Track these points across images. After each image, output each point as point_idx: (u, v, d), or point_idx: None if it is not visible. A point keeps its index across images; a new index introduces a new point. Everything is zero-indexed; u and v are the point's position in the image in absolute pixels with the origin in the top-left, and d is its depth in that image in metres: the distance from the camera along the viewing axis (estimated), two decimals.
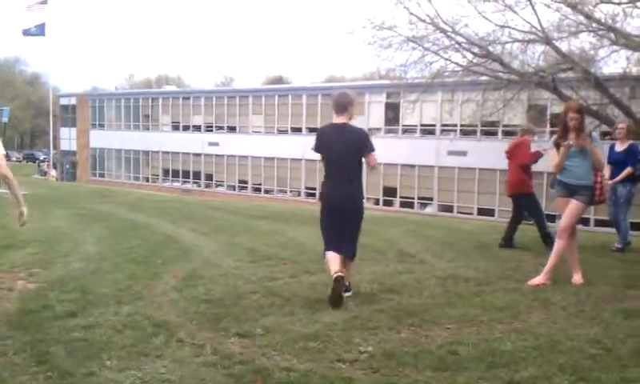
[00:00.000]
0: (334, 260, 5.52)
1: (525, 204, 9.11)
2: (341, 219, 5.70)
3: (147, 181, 45.73)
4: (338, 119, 5.94)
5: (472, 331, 4.57)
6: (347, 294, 5.53)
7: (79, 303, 5.34)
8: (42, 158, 72.79)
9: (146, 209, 13.62)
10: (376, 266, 7.07)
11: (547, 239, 8.51)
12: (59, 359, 3.96)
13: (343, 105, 5.92)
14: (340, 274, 5.32)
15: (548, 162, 9.21)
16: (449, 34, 21.83)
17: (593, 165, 6.32)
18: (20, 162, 78.61)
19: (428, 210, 32.71)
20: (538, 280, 6.25)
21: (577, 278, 6.37)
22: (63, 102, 53.74)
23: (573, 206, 6.31)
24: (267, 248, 8.26)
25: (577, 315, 5.08)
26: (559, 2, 20.21)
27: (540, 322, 4.83)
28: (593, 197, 6.39)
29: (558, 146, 6.41)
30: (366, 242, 8.58)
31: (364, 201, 5.97)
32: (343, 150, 5.76)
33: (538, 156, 8.96)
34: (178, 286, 5.96)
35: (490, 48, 21.43)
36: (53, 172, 53.35)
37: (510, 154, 9.13)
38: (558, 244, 6.37)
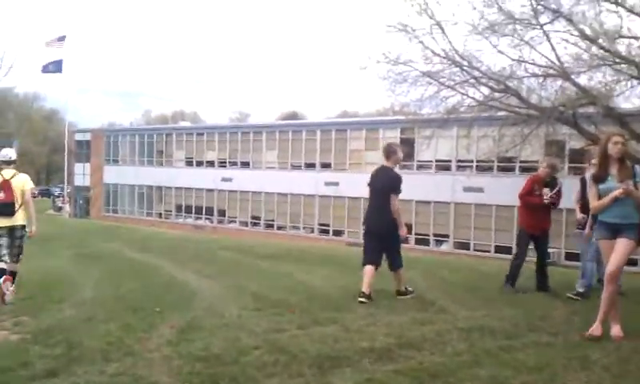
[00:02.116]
0: (366, 272, 7.44)
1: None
2: (374, 239, 7.70)
3: (160, 216, 45.44)
4: (384, 163, 7.81)
5: None
6: (408, 296, 7.45)
7: (62, 360, 4.80)
8: (56, 193, 73.07)
9: (152, 248, 13.17)
10: (392, 314, 6.46)
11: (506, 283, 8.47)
12: None
13: (387, 152, 7.81)
14: (362, 298, 7.15)
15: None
16: (464, 68, 21.44)
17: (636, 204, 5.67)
18: (35, 197, 78.80)
19: (444, 247, 32.03)
20: (597, 331, 5.57)
21: (615, 330, 5.72)
22: (78, 137, 53.99)
23: (622, 245, 5.60)
24: (274, 293, 7.70)
25: (623, 376, 4.46)
26: (576, 36, 19.85)
27: None
28: None
29: (597, 179, 5.80)
30: (381, 287, 8.06)
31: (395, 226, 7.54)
32: (378, 188, 7.66)
33: (532, 198, 8.63)
34: (173, 338, 5.41)
35: (508, 83, 21.02)
36: (67, 207, 53.33)
37: None
38: (609, 289, 5.65)
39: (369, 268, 7.46)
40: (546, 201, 8.54)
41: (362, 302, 7.07)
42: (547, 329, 6.00)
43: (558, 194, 8.69)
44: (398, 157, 7.81)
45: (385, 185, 7.56)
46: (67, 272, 9.41)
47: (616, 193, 5.57)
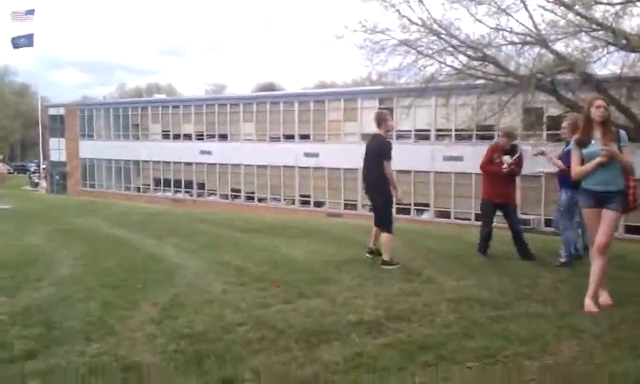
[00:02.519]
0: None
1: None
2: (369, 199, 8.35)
3: (139, 191, 44.95)
4: (376, 130, 8.31)
5: (498, 371, 3.90)
6: (393, 267, 7.41)
7: (42, 340, 4.64)
8: (32, 169, 71.88)
9: (131, 223, 12.90)
10: (379, 286, 6.38)
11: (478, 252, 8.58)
12: None
13: (378, 120, 8.31)
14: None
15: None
16: (442, 36, 21.22)
17: (621, 168, 5.58)
18: (11, 173, 77.61)
19: (425, 216, 32.11)
20: (594, 307, 5.43)
21: (604, 297, 5.69)
22: (52, 112, 52.94)
23: (608, 218, 5.48)
24: (258, 267, 7.55)
25: (614, 345, 4.42)
26: (553, 3, 19.74)
27: (574, 356, 4.17)
28: (626, 203, 5.68)
29: (580, 143, 5.68)
30: (366, 257, 7.96)
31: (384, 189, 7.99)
32: (368, 152, 8.13)
33: (492, 167, 8.66)
34: (156, 316, 5.26)
35: (486, 51, 20.89)
36: (43, 183, 52.52)
37: None
38: (599, 262, 5.53)
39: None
40: (505, 169, 8.51)
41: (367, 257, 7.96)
42: (536, 297, 5.97)
43: (519, 162, 8.67)
44: (388, 124, 8.22)
45: (374, 150, 8.01)
46: (44, 249, 9.14)
47: (599, 159, 5.47)
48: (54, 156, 52.06)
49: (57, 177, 51.39)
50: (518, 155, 8.66)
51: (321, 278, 6.76)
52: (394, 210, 8.27)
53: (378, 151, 7.96)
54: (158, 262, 7.92)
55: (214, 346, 4.50)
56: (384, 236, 7.82)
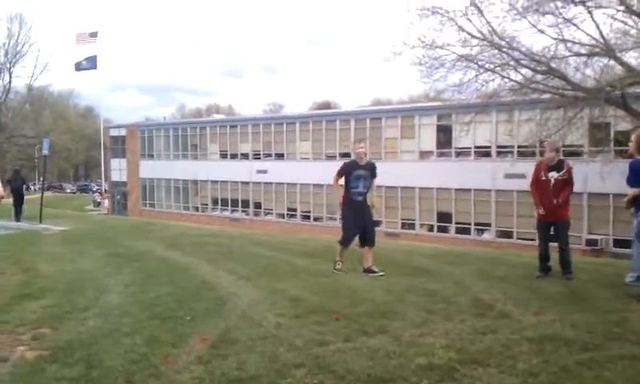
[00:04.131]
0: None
1: None
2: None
3: (197, 210, 45.33)
4: None
5: None
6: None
7: (80, 383, 4.25)
8: (94, 189, 73.84)
9: (185, 245, 12.63)
10: (449, 322, 5.74)
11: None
12: None
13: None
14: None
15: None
16: (504, 49, 20.43)
17: None
18: (74, 193, 79.93)
19: (485, 235, 31.07)
20: None
21: None
22: (114, 133, 54.28)
23: None
24: (314, 296, 7.02)
25: None
26: (623, 12, 18.65)
27: None
28: None
29: None
30: (432, 287, 7.37)
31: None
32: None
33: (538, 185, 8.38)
34: (205, 355, 4.80)
35: (551, 63, 19.93)
36: (105, 203, 53.67)
37: None
38: None
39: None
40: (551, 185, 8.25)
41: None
42: (629, 337, 5.24)
43: (567, 177, 8.26)
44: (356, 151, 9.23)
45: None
46: (95, 275, 8.88)
47: None
48: (115, 176, 53.19)
49: (118, 196, 52.44)
50: (565, 171, 8.25)
51: (383, 312, 6.18)
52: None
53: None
54: (210, 290, 7.50)
55: None
56: (338, 246, 8.86)
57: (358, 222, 8.74)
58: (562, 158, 8.53)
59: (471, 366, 4.44)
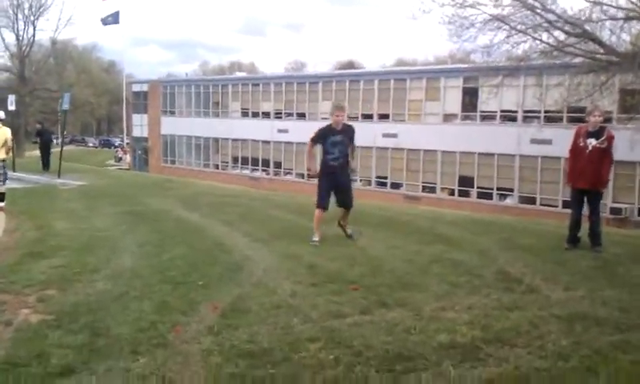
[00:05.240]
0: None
1: None
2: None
3: (217, 168, 45.22)
4: None
5: None
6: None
7: (83, 352, 4.07)
8: (117, 143, 74.10)
9: (204, 206, 12.43)
10: (473, 296, 5.44)
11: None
12: None
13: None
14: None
15: None
16: (537, 11, 19.70)
17: None
18: (96, 147, 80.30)
19: (508, 201, 30.56)
20: None
21: None
22: (136, 88, 54.07)
23: None
24: (332, 263, 6.77)
25: None
26: None
27: None
28: None
29: None
30: (456, 258, 7.06)
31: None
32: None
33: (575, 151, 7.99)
34: (215, 325, 4.57)
35: (586, 26, 19.20)
36: (127, 158, 53.83)
37: None
38: None
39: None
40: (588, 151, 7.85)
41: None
42: None
43: (607, 144, 7.82)
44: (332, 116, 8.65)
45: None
46: (109, 235, 8.70)
47: None
48: (137, 132, 53.15)
49: (139, 152, 52.47)
50: (604, 138, 7.81)
51: (403, 283, 5.90)
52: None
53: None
54: (225, 253, 7.29)
55: (278, 369, 3.79)
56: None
57: (332, 185, 8.44)
58: (603, 125, 8.06)
59: (496, 345, 4.16)
